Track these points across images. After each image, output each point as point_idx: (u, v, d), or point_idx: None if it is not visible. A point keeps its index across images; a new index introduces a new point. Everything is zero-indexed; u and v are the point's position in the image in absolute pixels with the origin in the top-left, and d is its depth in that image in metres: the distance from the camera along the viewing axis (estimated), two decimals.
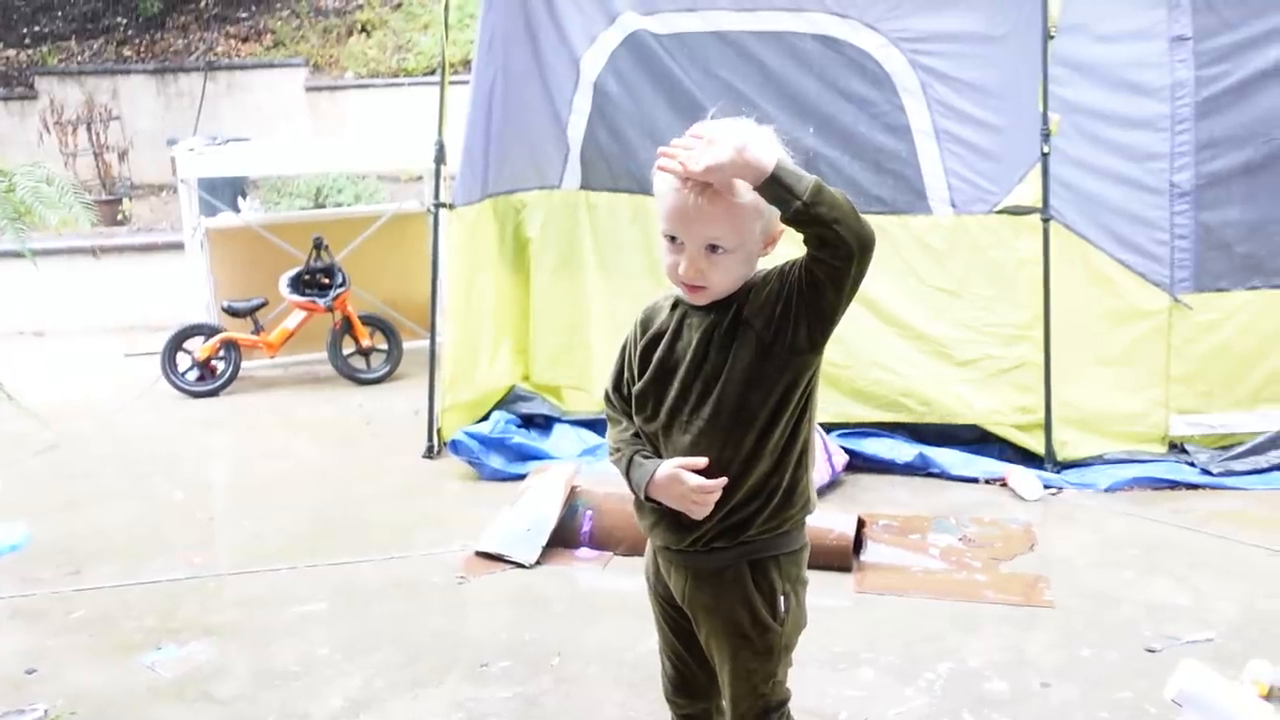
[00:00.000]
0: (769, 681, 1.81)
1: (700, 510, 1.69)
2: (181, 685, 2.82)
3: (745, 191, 1.57)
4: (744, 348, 1.66)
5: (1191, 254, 4.10)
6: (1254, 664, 2.62)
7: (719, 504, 1.69)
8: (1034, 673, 2.75)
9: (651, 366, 1.75)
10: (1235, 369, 4.13)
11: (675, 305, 1.76)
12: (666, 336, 1.74)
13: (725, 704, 1.86)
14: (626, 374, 1.82)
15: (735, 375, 1.66)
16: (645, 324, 1.80)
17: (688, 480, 1.68)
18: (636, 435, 1.81)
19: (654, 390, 1.74)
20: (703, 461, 1.68)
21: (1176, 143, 4.09)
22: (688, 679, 1.91)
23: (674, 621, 1.88)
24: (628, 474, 1.78)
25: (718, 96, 4.42)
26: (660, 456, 1.74)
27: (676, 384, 1.71)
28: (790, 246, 1.66)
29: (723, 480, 1.68)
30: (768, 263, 1.71)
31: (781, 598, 1.76)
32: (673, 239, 1.66)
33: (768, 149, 1.56)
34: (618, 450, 1.82)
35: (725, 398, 1.67)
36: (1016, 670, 2.76)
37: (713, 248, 1.62)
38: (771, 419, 1.67)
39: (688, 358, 1.70)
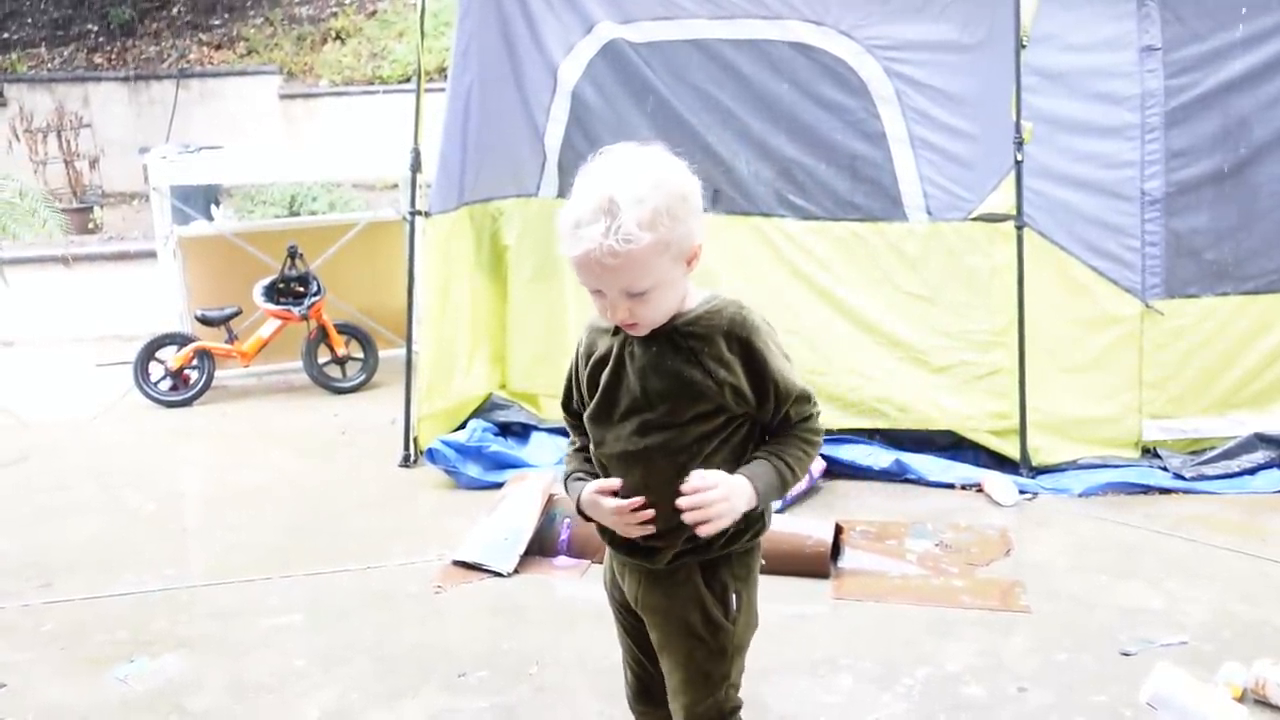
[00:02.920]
0: (724, 684, 1.81)
1: (633, 530, 1.72)
2: (154, 699, 2.78)
3: (642, 234, 1.57)
4: (688, 378, 1.68)
5: (1162, 260, 4.15)
6: (1227, 666, 2.65)
7: (676, 531, 1.70)
8: (1010, 677, 2.76)
9: (598, 396, 1.76)
10: (1206, 374, 4.18)
11: (617, 330, 1.75)
12: (610, 365, 1.75)
13: (675, 711, 1.83)
14: (576, 394, 1.84)
15: (681, 406, 1.68)
16: (589, 348, 1.80)
17: (604, 504, 1.72)
18: (581, 449, 1.85)
19: (602, 419, 1.76)
20: (616, 483, 1.72)
21: (1147, 151, 4.13)
22: (648, 685, 1.92)
23: (633, 628, 1.89)
24: (568, 492, 1.83)
25: (695, 105, 4.45)
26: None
27: (623, 414, 1.73)
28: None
29: (638, 500, 1.70)
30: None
31: (733, 595, 1.78)
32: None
33: (748, 490, 1.66)
34: (566, 466, 1.88)
35: (672, 427, 1.69)
36: (993, 675, 2.77)
37: (631, 292, 1.62)
38: (721, 446, 1.70)
39: (633, 388, 1.71)
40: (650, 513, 1.70)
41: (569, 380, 1.85)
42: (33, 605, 3.35)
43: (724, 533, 1.70)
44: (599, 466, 1.80)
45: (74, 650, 3.06)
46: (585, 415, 1.79)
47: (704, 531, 1.65)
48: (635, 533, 1.72)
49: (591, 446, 1.81)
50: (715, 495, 1.63)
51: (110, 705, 2.76)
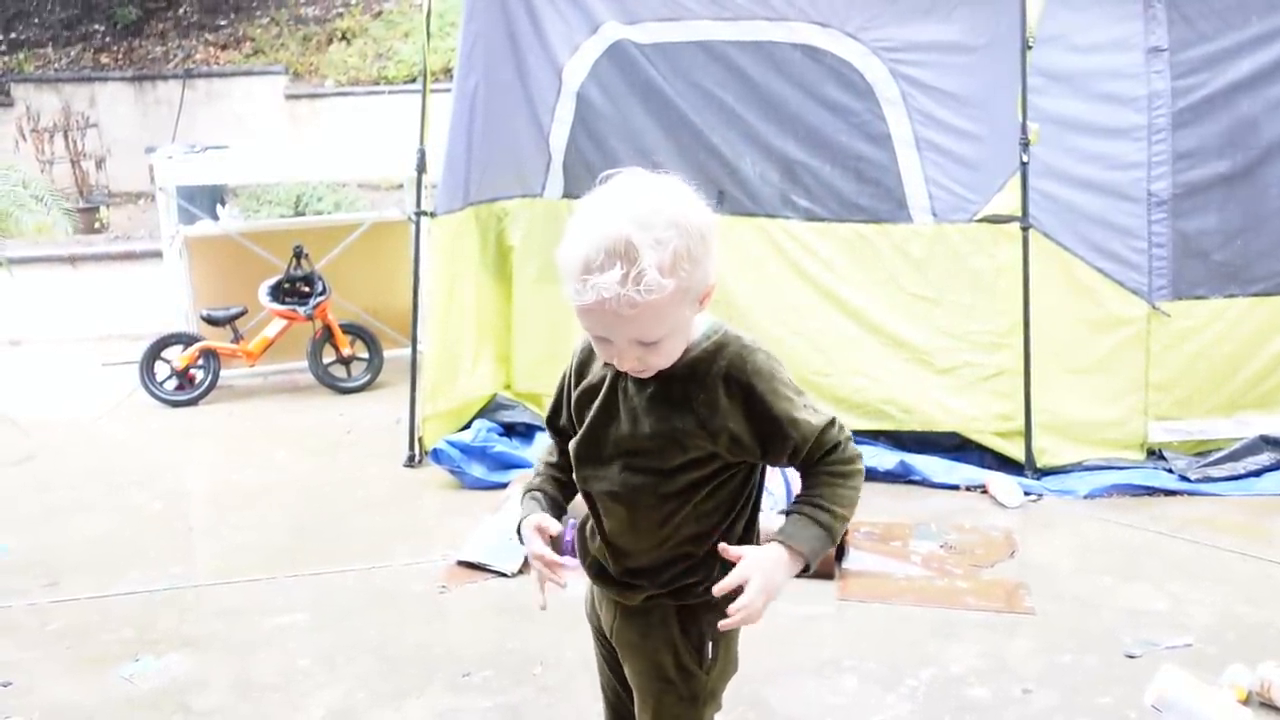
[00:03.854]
0: None
1: (546, 575, 1.65)
2: (159, 698, 2.79)
3: (665, 282, 1.41)
4: (679, 426, 1.55)
5: (1169, 262, 4.14)
6: (1232, 669, 2.65)
7: (656, 572, 1.62)
8: (1015, 679, 2.76)
9: (584, 430, 1.65)
10: (1213, 376, 4.17)
11: (606, 366, 1.61)
12: (600, 399, 1.62)
13: None
14: (565, 414, 1.72)
15: (670, 452, 1.56)
16: (581, 368, 1.68)
17: (530, 545, 1.65)
18: (555, 465, 1.76)
19: (588, 455, 1.65)
20: (557, 527, 1.65)
21: (1153, 152, 4.13)
22: (623, 715, 1.83)
23: (609, 656, 1.81)
24: (521, 503, 1.74)
25: (700, 106, 4.45)
26: (600, 523, 1.67)
27: (610, 452, 1.61)
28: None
29: (561, 562, 1.63)
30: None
31: (709, 644, 1.67)
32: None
33: (782, 557, 1.53)
34: (533, 474, 1.79)
35: (660, 472, 1.57)
36: (997, 676, 2.77)
37: (642, 341, 1.47)
38: (713, 494, 1.59)
39: (622, 427, 1.59)
40: (564, 582, 1.64)
41: (559, 396, 1.74)
42: (39, 604, 3.36)
43: (706, 578, 1.60)
44: (584, 496, 1.71)
45: (79, 649, 3.07)
46: (571, 448, 1.68)
47: (749, 613, 1.53)
48: (551, 578, 1.65)
49: (575, 477, 1.70)
50: (751, 595, 1.50)
51: (115, 704, 2.76)
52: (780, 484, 3.85)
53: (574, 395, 1.68)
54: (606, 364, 1.60)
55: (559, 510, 1.73)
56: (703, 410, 1.53)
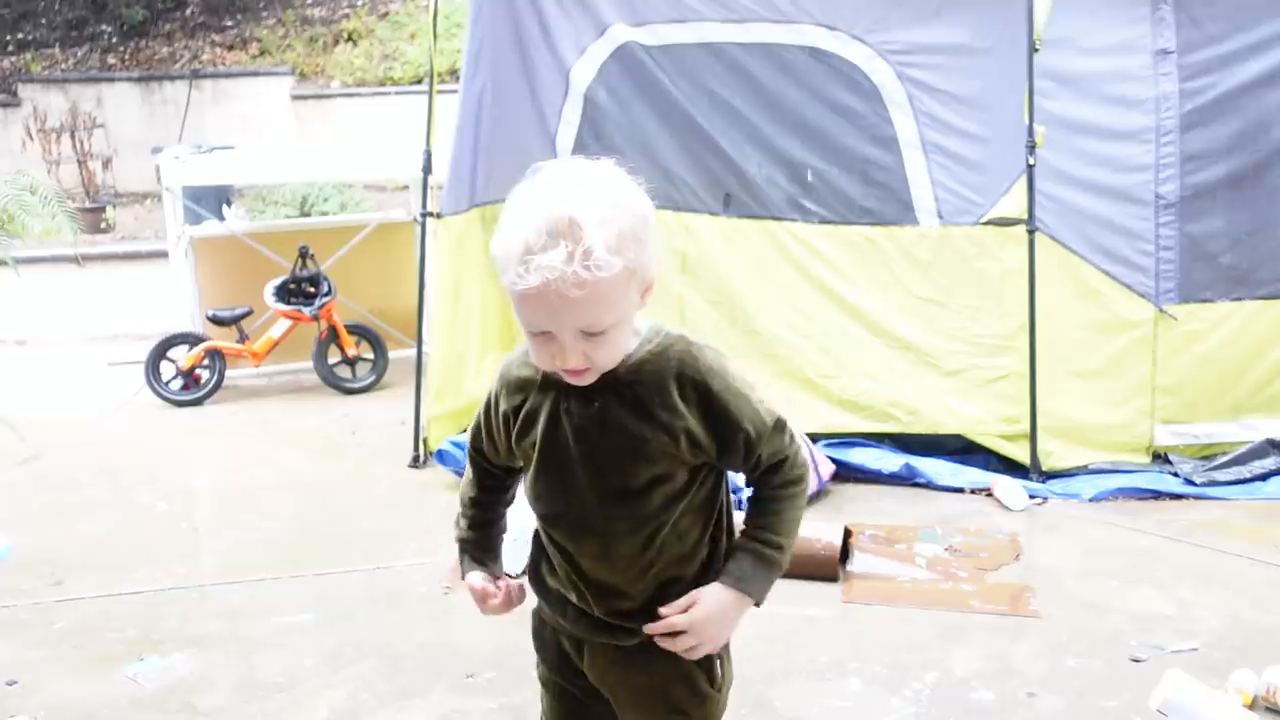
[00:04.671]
0: None
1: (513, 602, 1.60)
2: (164, 697, 2.79)
3: (612, 259, 1.30)
4: (640, 436, 1.43)
5: (1176, 265, 4.13)
6: (1238, 673, 2.64)
7: (647, 606, 1.50)
8: (1020, 682, 2.75)
9: (535, 464, 1.51)
10: (1219, 379, 4.16)
11: (546, 385, 1.48)
12: (542, 427, 1.48)
13: None
14: (489, 445, 1.60)
15: (637, 469, 1.44)
16: (512, 405, 1.52)
17: (487, 604, 1.59)
18: (475, 501, 1.65)
19: (545, 490, 1.51)
20: (497, 599, 1.58)
21: (1161, 154, 4.12)
22: None
23: (567, 695, 1.65)
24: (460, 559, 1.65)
25: (707, 108, 4.45)
26: (572, 566, 1.53)
27: (571, 483, 1.48)
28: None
29: (519, 592, 1.59)
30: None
31: (717, 662, 1.58)
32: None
33: (732, 599, 1.48)
34: (459, 523, 1.67)
35: (631, 494, 1.45)
36: (1003, 680, 2.76)
37: (590, 331, 1.35)
38: (689, 508, 1.49)
39: (576, 452, 1.46)
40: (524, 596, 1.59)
41: (483, 426, 1.60)
42: (44, 603, 3.36)
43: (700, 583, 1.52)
44: (545, 537, 1.56)
45: (85, 648, 3.07)
46: (525, 489, 1.55)
47: (693, 656, 1.50)
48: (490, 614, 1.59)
49: (537, 519, 1.56)
50: (691, 637, 1.47)
51: (121, 703, 2.76)
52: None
53: (508, 429, 1.53)
54: (543, 389, 1.47)
55: (493, 555, 1.65)
56: (662, 415, 1.43)
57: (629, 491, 1.45)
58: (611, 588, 1.51)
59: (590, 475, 1.46)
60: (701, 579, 1.52)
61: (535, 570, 1.62)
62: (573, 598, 1.55)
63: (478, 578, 1.61)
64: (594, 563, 1.50)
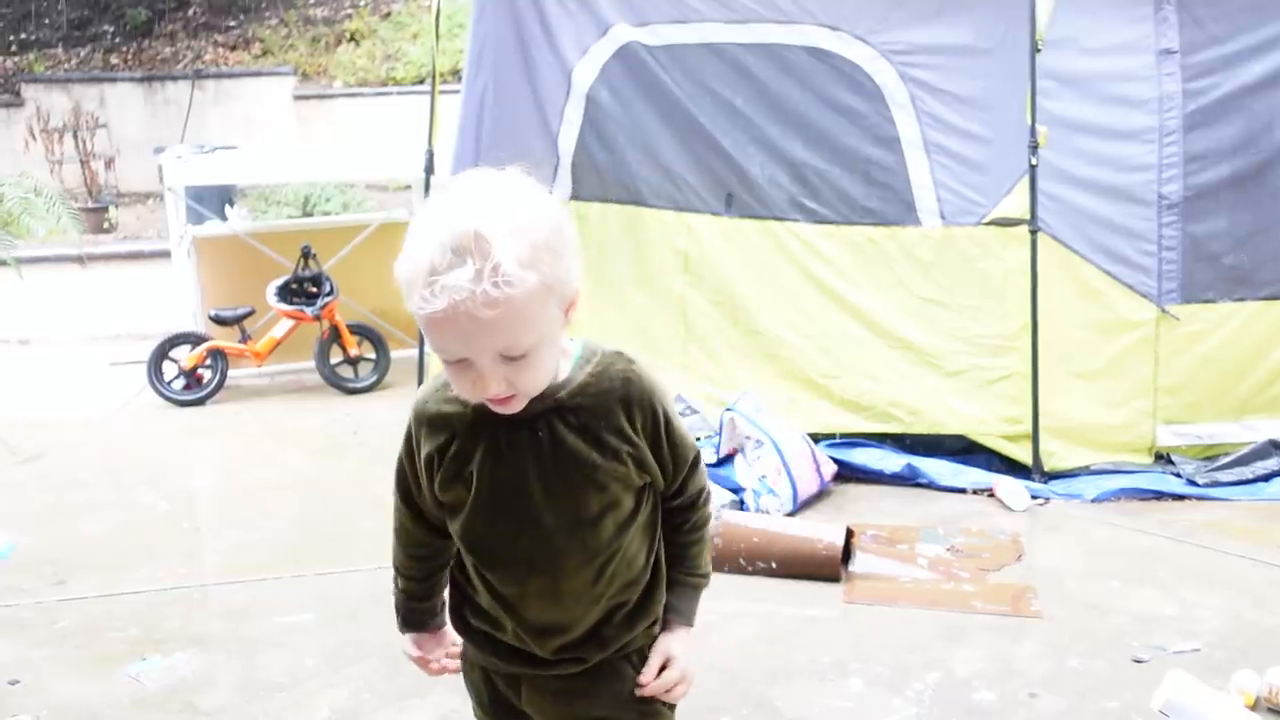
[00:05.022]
0: None
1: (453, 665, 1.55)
2: (166, 697, 2.79)
3: (525, 274, 1.20)
4: (590, 463, 1.36)
5: (1179, 265, 4.13)
6: (1240, 674, 2.63)
7: (595, 639, 1.44)
8: (1022, 683, 2.75)
9: (470, 505, 1.39)
10: (1222, 380, 4.16)
11: (477, 419, 1.36)
12: (477, 464, 1.37)
13: None
14: (415, 490, 1.46)
15: (586, 499, 1.36)
16: (436, 446, 1.39)
17: (430, 669, 1.55)
18: (412, 575, 1.52)
19: (484, 530, 1.39)
20: (438, 664, 1.53)
21: (1164, 155, 4.12)
22: None
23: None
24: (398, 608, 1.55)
25: (709, 108, 4.45)
26: (508, 608, 1.42)
27: (512, 521, 1.37)
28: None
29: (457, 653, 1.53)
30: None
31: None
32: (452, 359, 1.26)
33: (687, 634, 1.49)
34: (397, 583, 1.55)
35: (582, 526, 1.37)
36: (1004, 680, 2.76)
37: (509, 354, 1.24)
38: (636, 533, 1.42)
39: (517, 487, 1.36)
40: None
41: (405, 477, 1.47)
42: (46, 602, 3.37)
43: (648, 614, 1.47)
44: (476, 578, 1.44)
45: (87, 647, 3.07)
46: (455, 528, 1.42)
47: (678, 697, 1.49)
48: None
49: (465, 555, 1.44)
50: (684, 685, 1.48)
51: (123, 703, 2.77)
52: (786, 485, 3.85)
53: (435, 471, 1.40)
54: (475, 424, 1.35)
55: (432, 612, 1.55)
56: (611, 439, 1.35)
57: (581, 522, 1.37)
58: (556, 627, 1.42)
59: (538, 510, 1.36)
60: (645, 601, 1.47)
61: (456, 613, 1.51)
62: (505, 637, 1.46)
63: (413, 645, 1.54)
64: (540, 603, 1.40)
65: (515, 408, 1.31)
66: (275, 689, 2.81)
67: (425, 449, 1.40)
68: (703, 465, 1.50)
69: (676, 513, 1.48)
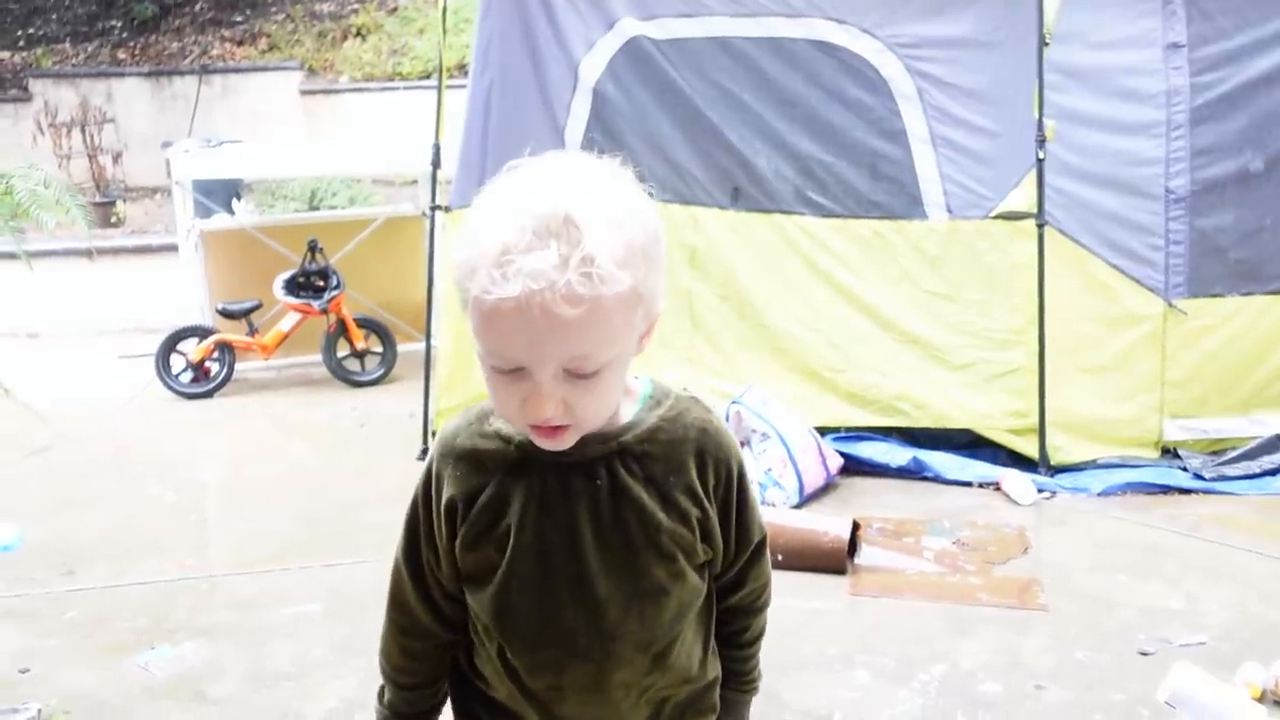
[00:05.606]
0: None
1: None
2: (175, 686, 2.81)
3: (619, 272, 0.97)
4: (655, 524, 1.11)
5: (1186, 259, 4.12)
6: (1246, 666, 2.64)
7: None
8: (1027, 675, 2.75)
9: (504, 567, 1.12)
10: (1229, 374, 4.15)
11: (523, 459, 1.11)
12: (518, 513, 1.11)
13: None
14: (432, 551, 1.18)
15: (648, 567, 1.12)
16: (466, 475, 1.14)
17: None
18: (416, 655, 1.23)
19: (520, 608, 1.12)
20: None
21: (1172, 148, 4.11)
22: None
23: None
24: None
25: (716, 102, 4.45)
26: (536, 705, 1.17)
27: (554, 591, 1.11)
28: None
29: None
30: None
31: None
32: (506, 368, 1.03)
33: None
34: (384, 694, 1.28)
35: (641, 599, 1.12)
36: (1010, 672, 2.77)
37: (577, 371, 1.01)
38: (695, 618, 1.19)
39: (561, 546, 1.11)
40: None
41: (418, 535, 1.19)
42: (55, 592, 3.39)
43: (701, 698, 1.24)
44: (496, 665, 1.16)
45: (96, 637, 3.09)
46: (481, 600, 1.15)
47: None
48: None
49: (487, 636, 1.16)
50: None
51: (132, 692, 2.78)
52: (792, 478, 3.86)
53: (458, 524, 1.14)
54: (518, 466, 1.10)
55: None
56: (681, 498, 1.12)
57: (641, 594, 1.11)
58: None
59: (592, 575, 1.11)
60: (702, 697, 1.23)
61: (466, 713, 1.24)
62: None
63: None
64: (578, 698, 1.15)
65: (565, 443, 1.06)
66: (283, 678, 2.83)
67: (449, 492, 1.14)
68: (767, 555, 1.25)
69: (734, 616, 1.24)
